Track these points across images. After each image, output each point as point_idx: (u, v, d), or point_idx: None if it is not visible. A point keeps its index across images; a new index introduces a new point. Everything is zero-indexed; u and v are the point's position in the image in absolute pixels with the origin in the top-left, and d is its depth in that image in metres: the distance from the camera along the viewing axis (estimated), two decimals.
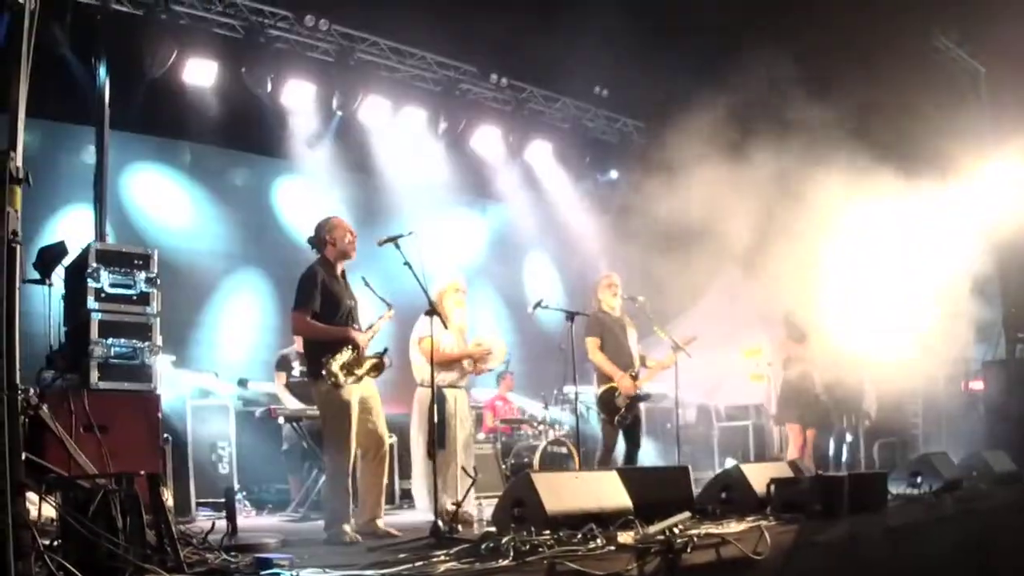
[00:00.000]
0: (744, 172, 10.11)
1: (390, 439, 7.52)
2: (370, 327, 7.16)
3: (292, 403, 9.80)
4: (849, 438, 10.69)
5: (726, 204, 10.10)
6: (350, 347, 6.91)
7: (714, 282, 12.69)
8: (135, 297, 7.20)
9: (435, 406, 7.24)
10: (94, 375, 6.91)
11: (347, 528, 6.69)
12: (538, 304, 8.75)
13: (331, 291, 7.05)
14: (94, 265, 7.07)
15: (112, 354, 7.01)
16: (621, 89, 14.02)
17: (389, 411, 7.72)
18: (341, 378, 6.81)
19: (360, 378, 6.94)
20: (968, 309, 10.99)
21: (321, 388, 6.91)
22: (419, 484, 8.18)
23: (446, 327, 7.45)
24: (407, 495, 9.94)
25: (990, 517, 8.61)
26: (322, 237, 7.25)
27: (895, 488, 8.46)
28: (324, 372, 6.79)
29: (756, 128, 10.11)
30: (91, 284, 7.05)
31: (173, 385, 9.03)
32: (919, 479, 8.84)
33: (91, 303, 7.03)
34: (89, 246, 7.21)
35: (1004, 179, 11.68)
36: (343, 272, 7.28)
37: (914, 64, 11.80)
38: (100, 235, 10.06)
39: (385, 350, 7.12)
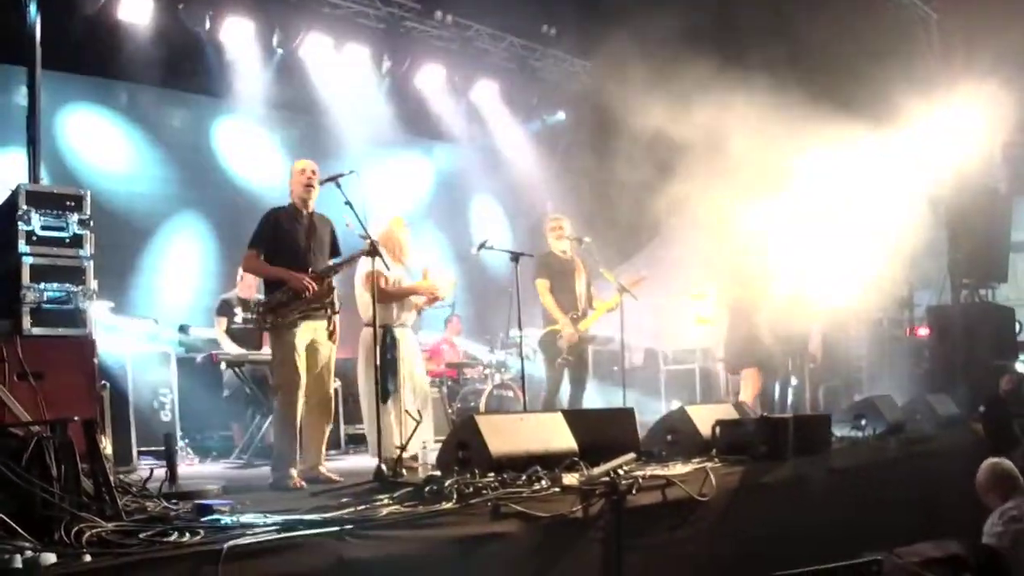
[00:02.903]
0: (691, 116, 10.04)
1: (334, 383, 7.44)
2: (329, 267, 7.10)
3: (233, 349, 9.68)
4: (794, 381, 10.75)
5: (673, 147, 10.04)
6: (291, 291, 6.84)
7: (662, 225, 12.67)
8: (68, 240, 6.97)
9: (383, 347, 7.20)
10: (27, 321, 6.70)
11: (293, 472, 6.66)
12: (483, 245, 8.61)
13: (286, 233, 7.03)
14: (24, 207, 6.83)
15: (45, 299, 6.79)
16: (569, 28, 13.83)
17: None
18: (269, 319, 6.84)
19: (295, 321, 6.86)
20: (913, 254, 11.08)
21: (271, 331, 6.98)
22: (372, 428, 8.07)
23: (388, 267, 7.34)
24: (353, 440, 9.90)
25: (933, 460, 8.75)
26: (290, 182, 7.27)
27: (839, 430, 8.54)
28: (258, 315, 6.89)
29: (704, 72, 10.01)
30: (22, 227, 6.81)
31: (112, 331, 8.85)
32: (863, 422, 8.95)
33: (22, 247, 6.79)
34: (19, 187, 6.97)
35: (953, 126, 11.70)
36: (311, 214, 7.19)
37: (866, 9, 11.78)
38: (34, 178, 9.78)
39: (331, 288, 7.08)
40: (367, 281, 7.33)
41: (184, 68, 11.89)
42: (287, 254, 6.99)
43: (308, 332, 6.95)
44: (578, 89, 14.99)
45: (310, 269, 6.99)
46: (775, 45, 10.33)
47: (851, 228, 10.18)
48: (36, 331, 6.73)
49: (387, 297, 7.72)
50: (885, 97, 10.71)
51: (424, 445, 7.58)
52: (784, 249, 9.77)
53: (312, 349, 6.99)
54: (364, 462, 7.91)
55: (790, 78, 9.94)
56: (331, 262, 7.19)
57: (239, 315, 9.82)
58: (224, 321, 9.99)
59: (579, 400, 9.25)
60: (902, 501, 7.91)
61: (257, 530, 4.02)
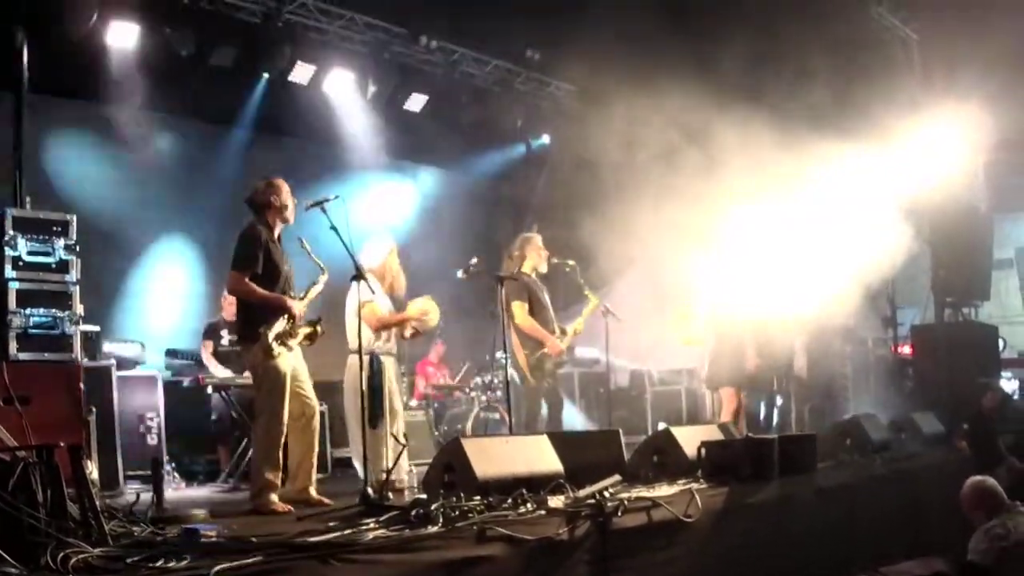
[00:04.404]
0: (677, 137, 10.11)
1: (321, 407, 7.40)
2: (306, 293, 7.03)
3: (220, 372, 9.67)
4: (779, 401, 10.79)
5: (658, 169, 10.09)
6: (286, 317, 6.74)
7: (646, 247, 12.70)
8: (54, 265, 7.03)
9: (371, 373, 7.18)
10: (13, 346, 6.75)
11: (274, 497, 6.55)
12: (468, 268, 8.61)
13: (272, 256, 6.82)
14: (11, 233, 6.89)
15: (31, 324, 6.84)
16: (552, 51, 13.89)
17: (322, 379, 7.63)
18: (275, 349, 6.63)
19: (292, 348, 6.81)
20: (896, 272, 11.15)
21: (256, 355, 6.70)
22: (358, 454, 8.02)
23: (373, 291, 7.32)
24: (340, 464, 9.87)
25: (918, 478, 8.78)
26: (265, 199, 6.95)
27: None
28: (258, 342, 6.62)
29: (686, 95, 10.07)
30: (8, 252, 6.88)
31: (98, 355, 8.84)
32: (848, 441, 8.96)
33: (8, 272, 6.86)
34: (5, 212, 7.01)
35: (935, 145, 11.80)
36: (279, 236, 7.05)
37: (848, 32, 11.88)
38: (20, 203, 9.80)
39: (319, 319, 7.00)
40: (362, 308, 7.24)
41: (171, 92, 11.87)
42: (279, 280, 6.83)
43: (291, 357, 6.87)
44: (562, 113, 15.05)
45: (292, 294, 6.92)
46: (758, 68, 10.42)
47: (834, 247, 10.23)
48: (22, 356, 6.78)
49: (383, 326, 7.75)
50: (867, 117, 10.80)
51: (411, 469, 7.60)
52: (768, 268, 9.82)
53: (293, 370, 6.86)
54: (353, 485, 7.90)
55: (773, 101, 10.02)
56: (311, 287, 7.07)
57: (226, 339, 9.83)
58: (211, 344, 9.99)
59: (559, 422, 9.22)
60: (888, 520, 7.93)
61: (244, 554, 4.02)
